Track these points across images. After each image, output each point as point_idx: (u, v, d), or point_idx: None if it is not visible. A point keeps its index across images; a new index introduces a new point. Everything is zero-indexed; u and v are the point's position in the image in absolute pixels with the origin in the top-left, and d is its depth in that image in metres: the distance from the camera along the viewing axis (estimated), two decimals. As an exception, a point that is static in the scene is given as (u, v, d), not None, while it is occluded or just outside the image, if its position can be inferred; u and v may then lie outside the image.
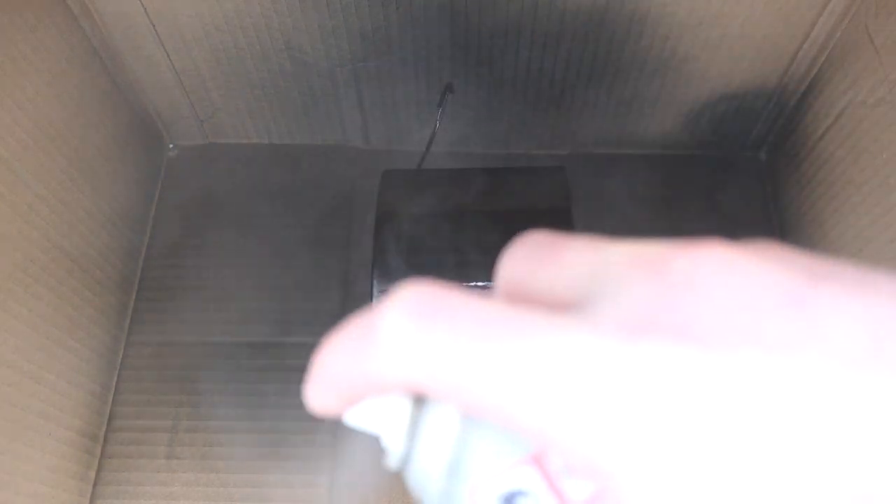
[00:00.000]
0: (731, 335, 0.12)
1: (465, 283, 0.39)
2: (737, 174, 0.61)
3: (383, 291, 0.39)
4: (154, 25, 0.50)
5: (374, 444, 0.51)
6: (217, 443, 0.52)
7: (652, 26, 0.49)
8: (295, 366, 0.54)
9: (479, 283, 0.39)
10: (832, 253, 0.50)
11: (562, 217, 0.40)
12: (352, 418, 0.16)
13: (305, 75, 0.54)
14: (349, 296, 0.57)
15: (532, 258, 0.17)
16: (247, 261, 0.58)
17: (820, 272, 0.13)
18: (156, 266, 0.58)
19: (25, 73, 0.43)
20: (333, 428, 0.52)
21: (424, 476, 0.15)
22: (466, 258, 0.39)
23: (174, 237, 0.59)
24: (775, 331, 0.12)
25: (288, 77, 0.55)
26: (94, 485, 0.51)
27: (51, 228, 0.46)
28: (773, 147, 0.60)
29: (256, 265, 0.58)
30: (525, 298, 0.16)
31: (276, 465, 0.51)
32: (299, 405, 0.55)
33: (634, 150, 0.62)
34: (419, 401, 0.16)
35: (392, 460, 0.16)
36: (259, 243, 0.59)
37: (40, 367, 0.45)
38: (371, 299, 0.39)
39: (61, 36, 0.47)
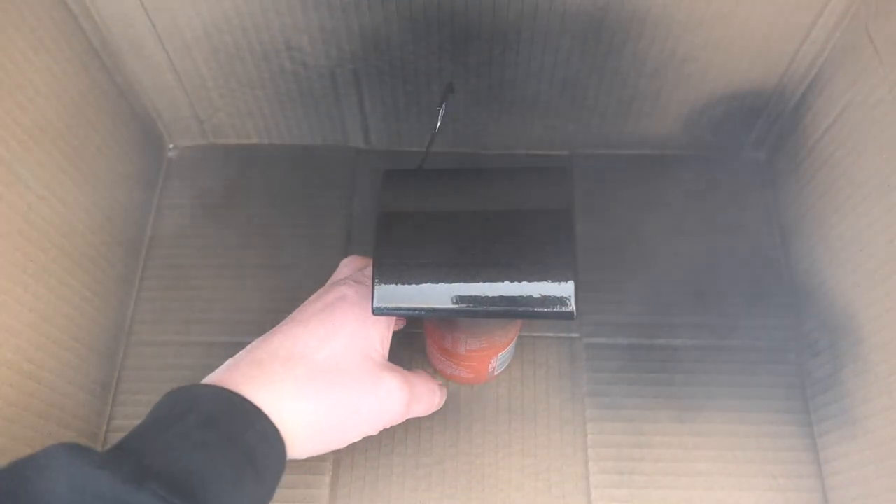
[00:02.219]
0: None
1: (465, 283, 0.39)
2: (737, 174, 0.61)
3: (382, 290, 0.39)
4: (154, 25, 0.50)
5: (372, 441, 0.51)
6: (217, 443, 0.52)
7: (652, 26, 0.49)
8: (295, 366, 0.54)
9: (481, 285, 0.39)
10: (832, 253, 0.50)
11: (562, 218, 0.40)
12: None
13: (305, 75, 0.54)
14: (349, 296, 0.56)
15: None
16: (247, 261, 0.58)
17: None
18: (156, 266, 0.58)
19: (25, 73, 0.43)
20: (333, 428, 0.52)
21: None
22: (467, 259, 0.39)
23: (174, 237, 0.59)
24: None
25: (288, 77, 0.55)
26: (94, 485, 0.51)
27: (51, 228, 0.46)
28: (773, 147, 0.60)
29: (256, 265, 0.58)
30: None
31: (276, 465, 0.51)
32: (299, 405, 0.54)
33: (634, 150, 0.62)
34: None
35: None
36: (259, 243, 0.59)
37: (40, 367, 0.45)
38: (371, 300, 0.39)
39: (61, 36, 0.47)
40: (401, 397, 0.40)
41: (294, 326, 0.40)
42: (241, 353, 0.39)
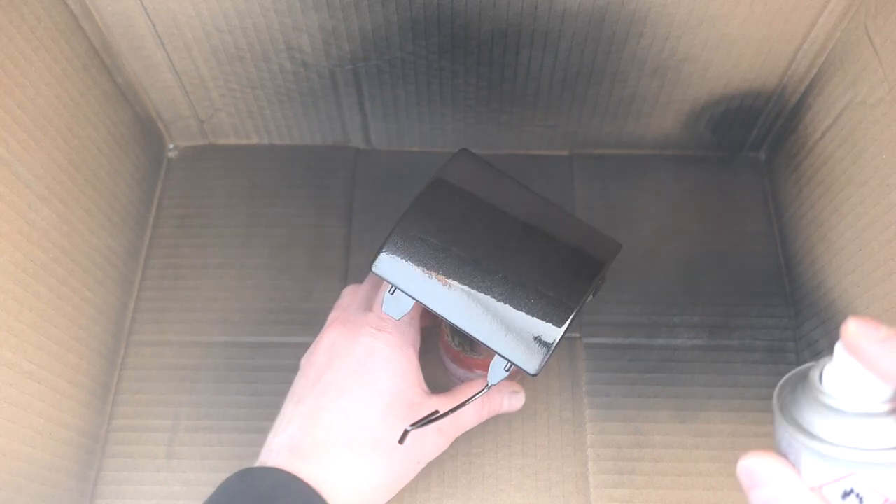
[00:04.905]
0: None
1: (463, 290, 0.39)
2: (737, 174, 0.61)
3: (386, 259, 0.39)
4: (154, 25, 0.50)
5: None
6: (217, 443, 0.52)
7: (652, 26, 0.49)
8: (294, 366, 0.54)
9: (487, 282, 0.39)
10: (832, 253, 0.50)
11: (582, 283, 0.40)
12: None
13: (305, 75, 0.54)
14: (349, 296, 0.57)
15: None
16: (246, 261, 0.58)
17: None
18: (156, 266, 0.58)
19: (25, 73, 0.43)
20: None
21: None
22: (479, 269, 0.39)
23: (174, 237, 0.59)
24: None
25: (288, 77, 0.55)
26: (94, 485, 0.51)
27: (51, 228, 0.46)
28: (773, 147, 0.60)
29: (256, 265, 0.58)
30: None
31: (276, 465, 0.51)
32: (299, 405, 0.54)
33: (634, 150, 0.62)
34: None
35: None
36: (259, 243, 0.59)
37: (40, 367, 0.45)
38: (374, 258, 0.39)
39: (61, 36, 0.47)
40: (441, 436, 0.42)
41: (338, 397, 0.40)
42: (291, 427, 0.40)
